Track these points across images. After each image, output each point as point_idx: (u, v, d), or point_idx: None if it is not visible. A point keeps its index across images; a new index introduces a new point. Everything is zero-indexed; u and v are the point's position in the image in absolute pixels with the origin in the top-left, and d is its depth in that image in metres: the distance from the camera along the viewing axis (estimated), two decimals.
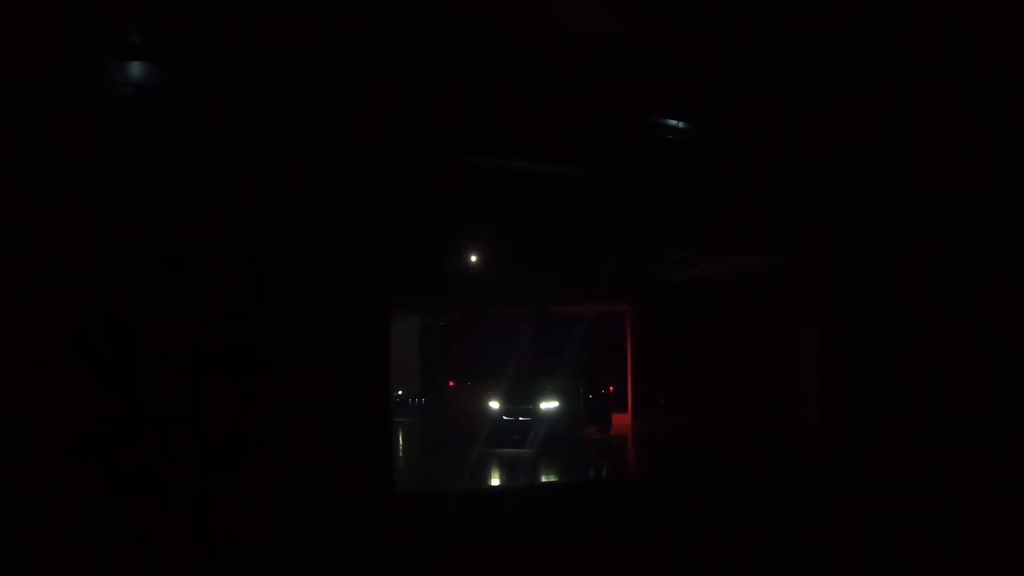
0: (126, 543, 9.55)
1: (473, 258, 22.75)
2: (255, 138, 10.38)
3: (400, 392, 24.94)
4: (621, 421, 23.77)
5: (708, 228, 15.65)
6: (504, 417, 20.27)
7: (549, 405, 19.65)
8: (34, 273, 9.41)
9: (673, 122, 12.04)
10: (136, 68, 10.81)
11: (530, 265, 20.63)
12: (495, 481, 15.11)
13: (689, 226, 15.90)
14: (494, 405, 20.53)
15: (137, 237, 9.98)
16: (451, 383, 26.47)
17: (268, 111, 10.39)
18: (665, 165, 12.51)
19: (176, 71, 10.57)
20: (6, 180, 9.20)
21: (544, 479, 15.40)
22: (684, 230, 16.30)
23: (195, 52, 10.24)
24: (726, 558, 9.94)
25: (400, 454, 15.96)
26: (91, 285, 9.77)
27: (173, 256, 10.22)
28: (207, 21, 9.74)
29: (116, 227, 10.01)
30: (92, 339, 9.90)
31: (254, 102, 10.43)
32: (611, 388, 23.96)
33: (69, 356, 9.61)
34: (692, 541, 10.50)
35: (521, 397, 20.27)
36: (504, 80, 11.03)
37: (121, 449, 9.80)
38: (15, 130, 9.23)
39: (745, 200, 13.46)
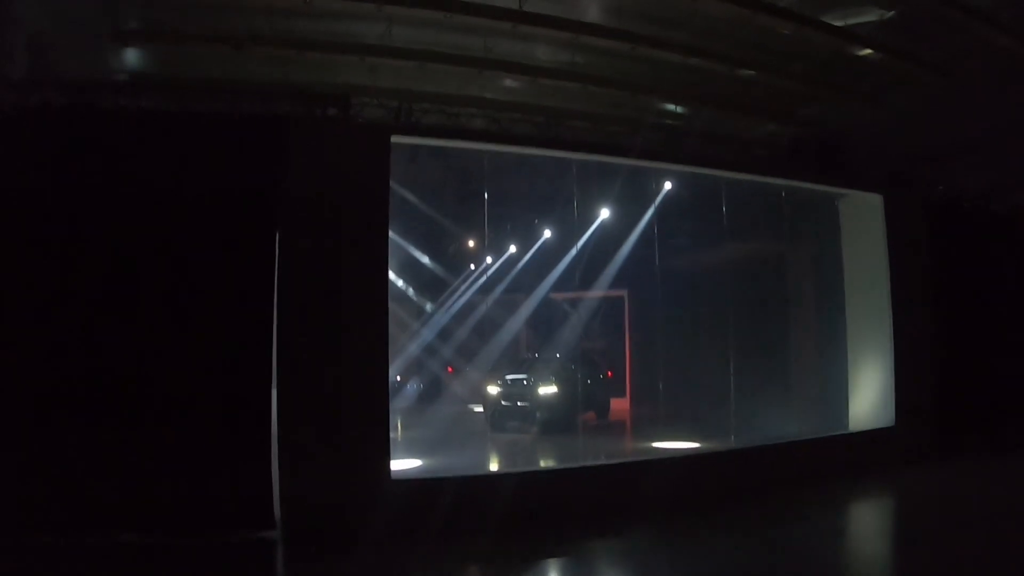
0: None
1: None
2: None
3: (399, 377, 24.96)
4: (619, 406, 23.83)
5: None
6: (503, 402, 20.35)
7: (547, 391, 19.70)
8: None
9: None
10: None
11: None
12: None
13: None
14: (493, 390, 20.60)
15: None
16: (450, 368, 26.48)
17: None
18: None
19: None
20: None
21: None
22: None
23: None
24: None
25: (398, 439, 16.00)
26: None
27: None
28: None
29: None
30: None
31: None
32: (609, 373, 24.00)
33: None
34: None
35: (519, 383, 20.33)
36: None
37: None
38: None
39: None
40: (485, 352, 23.13)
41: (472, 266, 25.97)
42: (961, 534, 10.41)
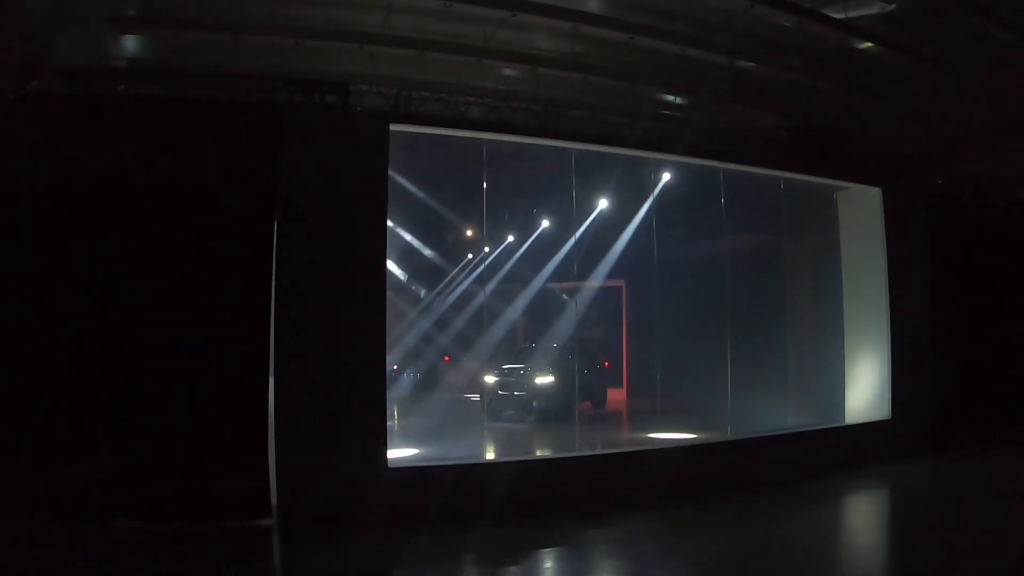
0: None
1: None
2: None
3: (395, 366, 24.98)
4: (616, 396, 23.88)
5: None
6: (499, 391, 20.37)
7: (544, 380, 19.72)
8: None
9: None
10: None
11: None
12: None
13: None
14: (490, 380, 20.62)
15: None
16: (447, 357, 26.50)
17: None
18: None
19: None
20: None
21: None
22: None
23: None
24: None
25: (395, 428, 16.06)
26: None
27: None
28: None
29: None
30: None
31: None
32: (607, 364, 24.03)
33: None
34: None
35: (516, 372, 20.36)
36: None
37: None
38: None
39: None
40: (482, 341, 23.15)
41: (470, 255, 25.96)
42: (954, 527, 10.47)
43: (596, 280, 22.09)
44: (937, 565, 8.87)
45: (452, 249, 25.65)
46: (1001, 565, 8.62)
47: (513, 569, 9.23)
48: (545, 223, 22.82)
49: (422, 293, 26.86)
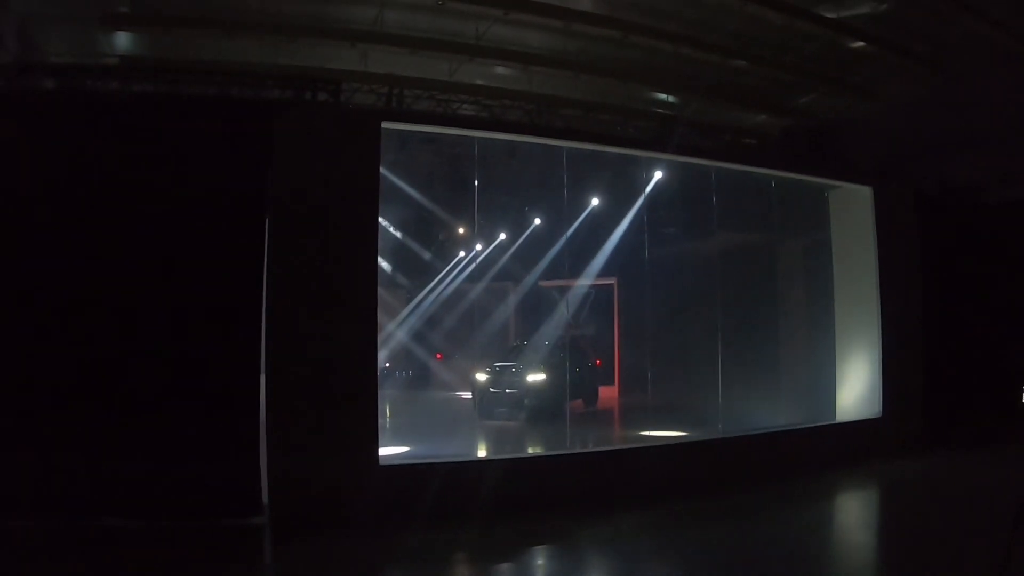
0: None
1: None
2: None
3: (387, 364, 24.97)
4: (608, 394, 23.90)
5: None
6: (491, 389, 20.37)
7: (536, 378, 19.72)
8: None
9: None
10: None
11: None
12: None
13: None
14: (481, 377, 20.63)
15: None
16: (439, 355, 26.51)
17: None
18: None
19: None
20: None
21: None
22: None
23: None
24: None
25: (386, 425, 16.03)
26: None
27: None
28: None
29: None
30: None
31: None
32: (598, 362, 24.04)
33: None
34: None
35: (508, 370, 20.36)
36: None
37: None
38: None
39: None
40: (474, 339, 23.14)
41: (461, 253, 25.95)
42: (943, 523, 10.51)
43: (588, 278, 22.09)
44: (925, 560, 8.91)
45: (444, 247, 25.62)
46: (988, 560, 8.67)
47: (504, 566, 9.24)
48: (537, 221, 22.81)
49: (414, 291, 26.84)
